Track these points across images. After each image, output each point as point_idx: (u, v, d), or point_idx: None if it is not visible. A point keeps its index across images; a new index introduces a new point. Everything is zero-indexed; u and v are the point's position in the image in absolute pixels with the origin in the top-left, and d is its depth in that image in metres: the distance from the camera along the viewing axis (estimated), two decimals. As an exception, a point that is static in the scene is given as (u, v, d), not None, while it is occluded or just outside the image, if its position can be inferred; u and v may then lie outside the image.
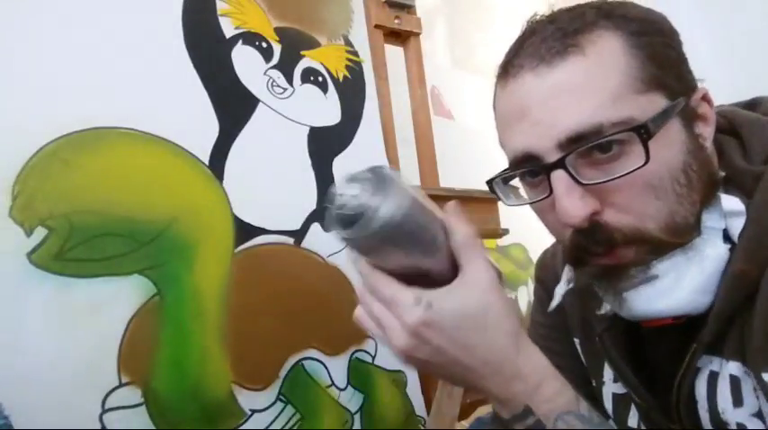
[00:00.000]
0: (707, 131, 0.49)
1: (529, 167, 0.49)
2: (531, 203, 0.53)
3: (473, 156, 1.55)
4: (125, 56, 0.73)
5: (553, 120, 0.45)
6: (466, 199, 1.11)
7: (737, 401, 0.46)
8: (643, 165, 0.43)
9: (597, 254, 0.48)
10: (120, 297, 0.67)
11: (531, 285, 1.76)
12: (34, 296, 0.61)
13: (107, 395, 0.64)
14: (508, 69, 0.49)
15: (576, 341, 0.65)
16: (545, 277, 0.72)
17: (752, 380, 0.45)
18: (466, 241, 0.48)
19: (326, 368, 0.83)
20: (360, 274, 0.48)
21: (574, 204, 0.45)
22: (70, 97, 0.68)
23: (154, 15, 0.77)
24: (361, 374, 0.87)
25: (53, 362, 0.61)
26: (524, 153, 0.48)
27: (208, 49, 0.81)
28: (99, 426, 0.63)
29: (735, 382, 0.46)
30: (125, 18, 0.75)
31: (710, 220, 0.47)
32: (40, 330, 0.61)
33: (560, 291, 0.67)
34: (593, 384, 0.63)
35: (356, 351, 0.87)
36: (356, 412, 0.85)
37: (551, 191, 0.46)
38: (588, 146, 0.44)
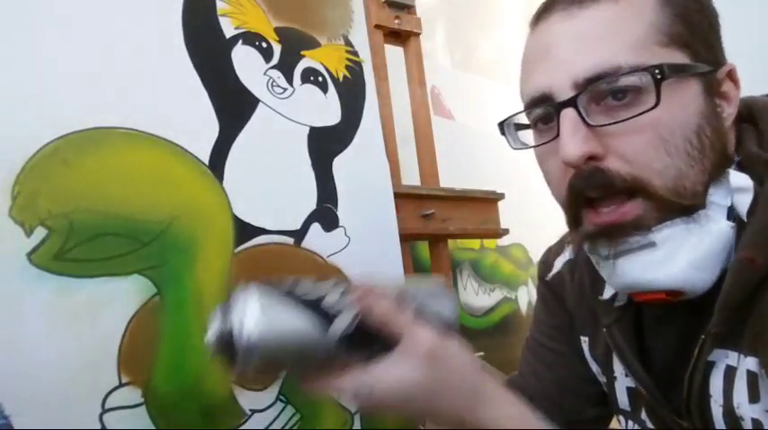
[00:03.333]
0: (727, 111, 0.48)
1: (542, 108, 0.49)
2: (536, 147, 0.52)
3: (473, 156, 1.55)
4: (125, 56, 0.73)
5: (573, 60, 0.46)
6: (466, 199, 1.11)
7: (754, 397, 0.45)
8: (652, 108, 0.43)
9: (593, 209, 0.47)
10: (120, 297, 0.67)
11: (532, 285, 1.77)
12: (34, 296, 0.61)
13: (107, 395, 0.64)
14: (541, 14, 0.50)
15: (585, 340, 0.65)
16: (546, 278, 0.72)
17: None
18: (387, 315, 0.46)
19: (326, 368, 0.83)
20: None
21: (576, 142, 0.45)
22: (70, 97, 0.68)
23: (154, 15, 0.77)
24: (361, 374, 0.87)
25: (53, 362, 0.61)
26: (540, 93, 0.48)
27: (208, 49, 0.81)
28: (99, 426, 0.63)
29: (752, 378, 0.45)
30: (125, 18, 0.74)
31: (716, 196, 0.46)
32: (40, 330, 0.61)
33: (560, 261, 0.67)
34: (605, 381, 0.63)
35: (356, 351, 0.87)
36: (356, 412, 0.85)
37: (558, 133, 0.46)
38: (604, 87, 0.44)
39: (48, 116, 0.66)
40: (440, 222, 1.05)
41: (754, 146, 0.49)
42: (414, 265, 1.05)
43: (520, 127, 0.53)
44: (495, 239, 1.55)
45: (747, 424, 0.45)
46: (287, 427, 0.78)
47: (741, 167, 0.49)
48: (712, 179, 0.46)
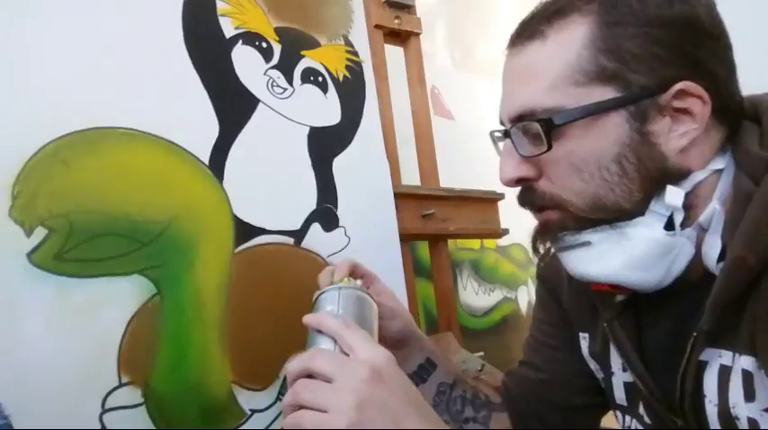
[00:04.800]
0: (688, 126, 0.49)
1: (501, 131, 0.57)
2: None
3: (473, 156, 1.54)
4: (125, 56, 0.73)
5: (509, 97, 0.54)
6: (466, 199, 1.11)
7: (749, 396, 0.45)
8: (546, 152, 0.50)
9: (533, 213, 0.56)
10: (120, 297, 0.67)
11: (532, 285, 1.77)
12: (34, 296, 0.61)
13: (107, 395, 0.64)
14: (509, 39, 0.55)
15: (584, 336, 0.66)
16: (547, 276, 0.72)
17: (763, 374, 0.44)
18: (334, 329, 0.53)
19: (326, 368, 0.83)
20: None
21: (508, 167, 0.54)
22: (70, 97, 0.68)
23: (154, 15, 0.77)
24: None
25: (53, 362, 0.61)
26: (499, 118, 0.56)
27: (208, 49, 0.81)
28: (99, 426, 0.63)
29: (747, 377, 0.46)
30: (125, 18, 0.74)
31: (657, 206, 0.50)
32: (40, 330, 0.61)
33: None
34: (602, 377, 0.64)
35: (356, 351, 0.87)
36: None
37: None
38: (522, 124, 0.51)
39: (48, 116, 0.66)
40: (440, 222, 1.05)
41: (755, 144, 0.50)
42: (414, 265, 1.05)
43: (499, 138, 0.60)
44: (495, 239, 1.55)
45: (743, 423, 0.46)
46: (287, 427, 0.78)
47: (739, 166, 0.49)
48: (648, 193, 0.49)
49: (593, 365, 0.65)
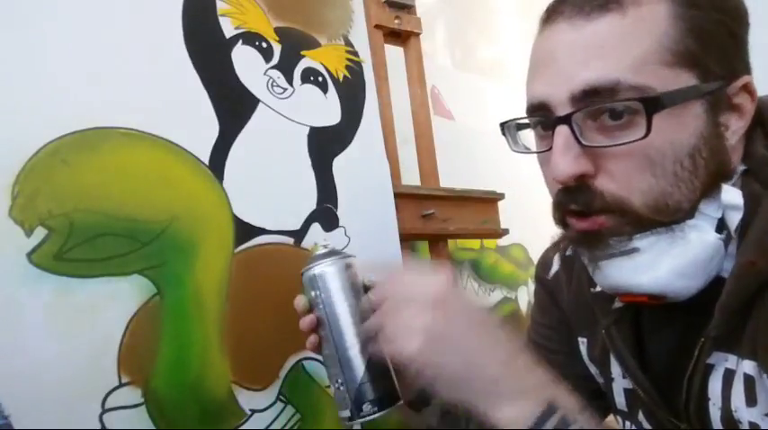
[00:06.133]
0: (738, 124, 0.47)
1: (540, 116, 0.49)
2: (535, 153, 0.53)
3: (473, 156, 1.55)
4: (125, 56, 0.73)
5: (573, 72, 0.45)
6: (466, 199, 1.11)
7: (751, 400, 0.45)
8: (641, 138, 0.43)
9: (576, 216, 0.48)
10: (120, 297, 0.67)
11: (532, 285, 1.77)
12: (34, 296, 0.61)
13: (107, 395, 0.64)
14: (550, 14, 0.49)
15: (583, 340, 0.65)
16: (545, 278, 0.72)
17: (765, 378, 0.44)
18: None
19: (326, 368, 0.83)
20: None
21: (566, 161, 0.45)
22: (70, 97, 0.68)
23: (154, 15, 0.77)
24: (361, 374, 0.87)
25: (53, 362, 0.61)
26: (539, 102, 0.48)
27: (208, 49, 0.81)
28: (99, 426, 0.63)
29: (749, 381, 0.45)
30: (125, 18, 0.74)
31: (708, 208, 0.46)
32: (40, 330, 0.61)
33: (557, 258, 0.68)
34: (602, 382, 0.63)
35: (356, 351, 0.87)
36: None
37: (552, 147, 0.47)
38: (601, 104, 0.44)
39: (48, 116, 0.66)
40: (440, 222, 1.05)
41: (762, 147, 0.49)
42: (414, 265, 1.05)
43: (521, 126, 0.53)
44: (495, 239, 1.55)
45: (745, 426, 0.45)
46: (287, 427, 0.78)
47: (747, 171, 0.48)
48: (704, 194, 0.46)
49: (593, 369, 0.65)
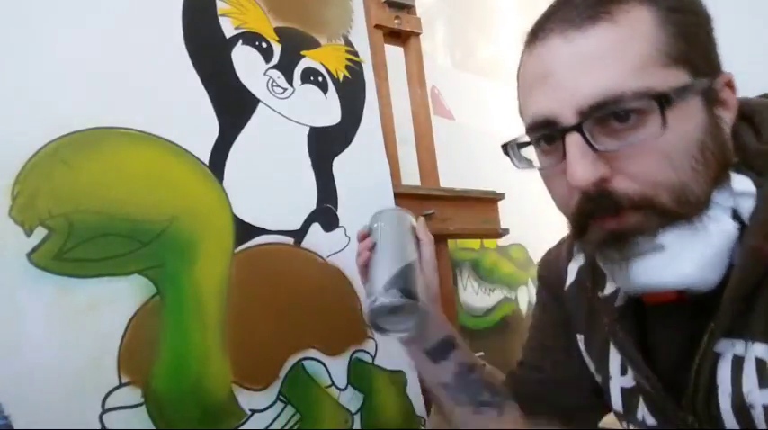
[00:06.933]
0: (727, 117, 0.49)
1: (546, 131, 0.49)
2: (541, 169, 0.53)
3: (473, 156, 1.55)
4: (125, 56, 0.73)
5: (576, 86, 0.46)
6: (466, 199, 1.11)
7: (764, 383, 0.45)
8: (658, 134, 0.44)
9: (601, 220, 0.48)
10: (120, 297, 0.67)
11: (532, 285, 1.77)
12: (34, 296, 0.61)
13: (107, 395, 0.64)
14: (537, 34, 0.49)
15: (580, 337, 0.66)
16: (548, 277, 0.72)
17: None
18: None
19: (326, 368, 0.83)
20: None
21: (585, 167, 0.45)
22: (70, 97, 0.68)
23: (154, 15, 0.77)
24: (361, 374, 0.87)
25: (53, 362, 0.61)
26: (543, 118, 0.48)
27: (208, 49, 0.81)
28: (99, 426, 0.63)
29: (760, 364, 0.45)
30: (125, 18, 0.75)
31: (720, 198, 0.47)
32: (41, 330, 0.61)
33: (573, 268, 0.68)
34: (600, 380, 0.63)
35: (356, 351, 0.87)
36: (356, 412, 0.85)
37: (564, 156, 0.47)
38: (608, 113, 0.45)
39: (48, 116, 0.66)
40: (440, 222, 1.05)
41: (752, 139, 0.50)
42: (414, 265, 1.05)
43: (522, 145, 0.54)
44: (495, 239, 1.55)
45: (758, 410, 0.45)
46: (287, 427, 0.78)
47: (740, 163, 0.50)
48: (716, 184, 0.47)
49: (592, 367, 0.65)
